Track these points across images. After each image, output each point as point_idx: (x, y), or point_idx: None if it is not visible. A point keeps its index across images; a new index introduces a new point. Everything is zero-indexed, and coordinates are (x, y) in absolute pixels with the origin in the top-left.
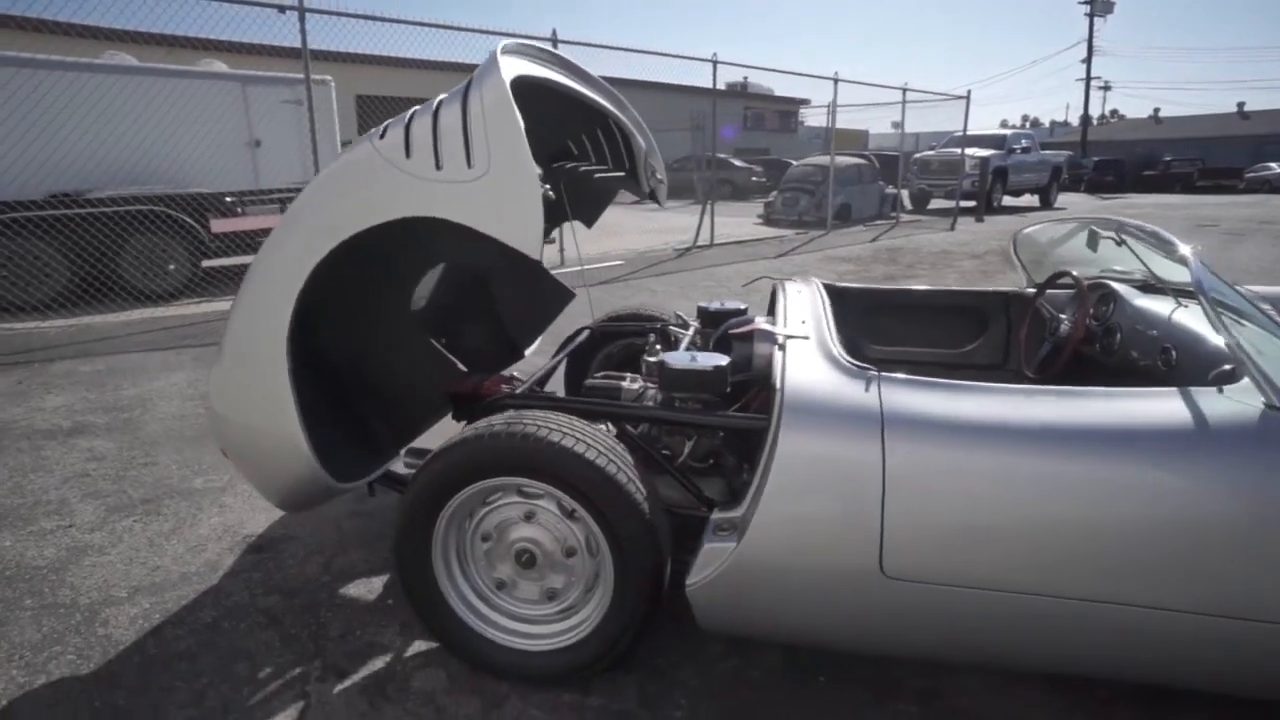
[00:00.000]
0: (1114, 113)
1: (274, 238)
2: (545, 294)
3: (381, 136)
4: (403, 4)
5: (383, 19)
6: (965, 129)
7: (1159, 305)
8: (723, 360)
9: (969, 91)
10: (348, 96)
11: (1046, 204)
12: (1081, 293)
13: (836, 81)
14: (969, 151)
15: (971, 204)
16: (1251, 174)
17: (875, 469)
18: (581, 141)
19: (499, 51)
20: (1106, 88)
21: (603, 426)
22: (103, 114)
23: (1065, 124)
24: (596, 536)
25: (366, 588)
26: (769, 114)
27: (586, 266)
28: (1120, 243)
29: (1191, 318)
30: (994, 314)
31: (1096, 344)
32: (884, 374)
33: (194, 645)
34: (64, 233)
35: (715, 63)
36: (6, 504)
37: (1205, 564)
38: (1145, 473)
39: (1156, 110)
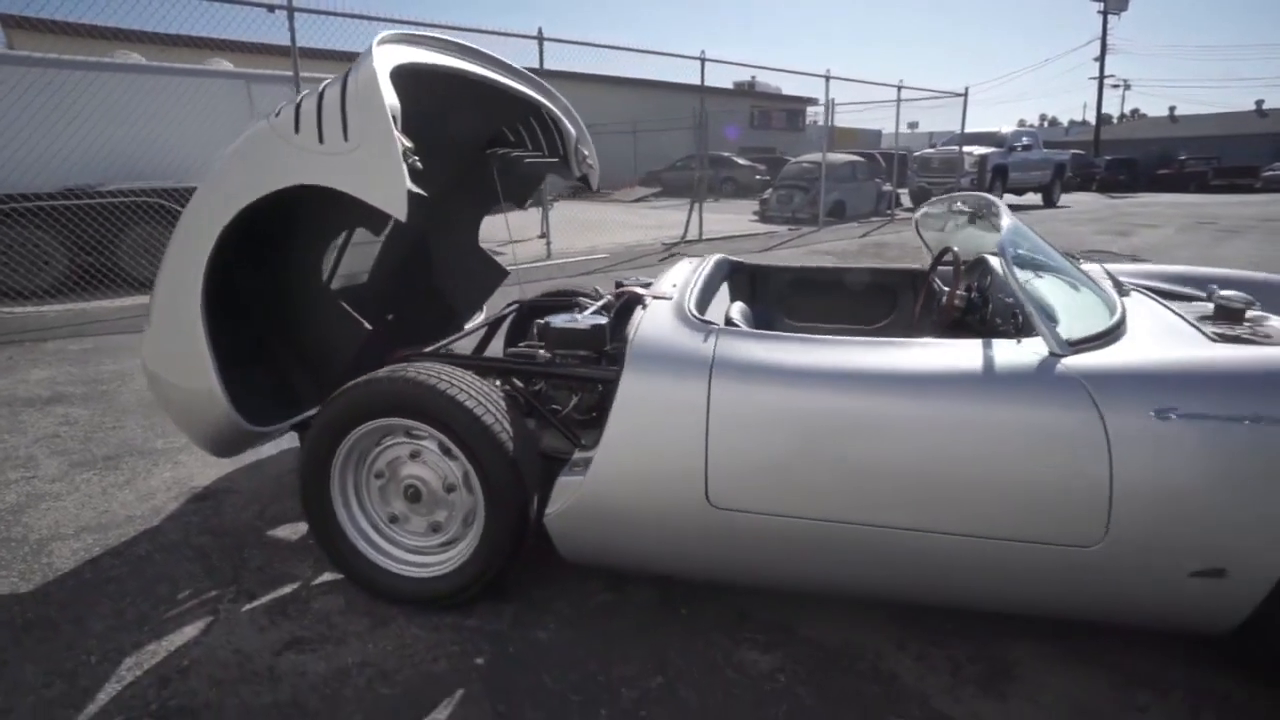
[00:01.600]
0: (1135, 112)
1: (188, 208)
2: (483, 272)
3: (276, 115)
4: (439, 6)
5: (371, 18)
6: (963, 126)
7: (1023, 274)
8: (601, 320)
9: (966, 89)
10: None
11: (1050, 202)
12: (956, 267)
13: (828, 79)
14: (968, 149)
15: None
16: (1269, 172)
17: (700, 409)
18: (517, 129)
19: (375, 41)
20: (1126, 86)
21: (495, 382)
22: (112, 112)
23: (1083, 123)
24: (471, 474)
25: (292, 530)
26: (775, 113)
27: (573, 259)
28: (980, 217)
29: (1043, 283)
30: (903, 290)
31: (977, 314)
32: (724, 329)
33: (125, 573)
34: (66, 224)
35: (703, 60)
36: None
37: (991, 494)
38: (943, 413)
39: (1172, 109)
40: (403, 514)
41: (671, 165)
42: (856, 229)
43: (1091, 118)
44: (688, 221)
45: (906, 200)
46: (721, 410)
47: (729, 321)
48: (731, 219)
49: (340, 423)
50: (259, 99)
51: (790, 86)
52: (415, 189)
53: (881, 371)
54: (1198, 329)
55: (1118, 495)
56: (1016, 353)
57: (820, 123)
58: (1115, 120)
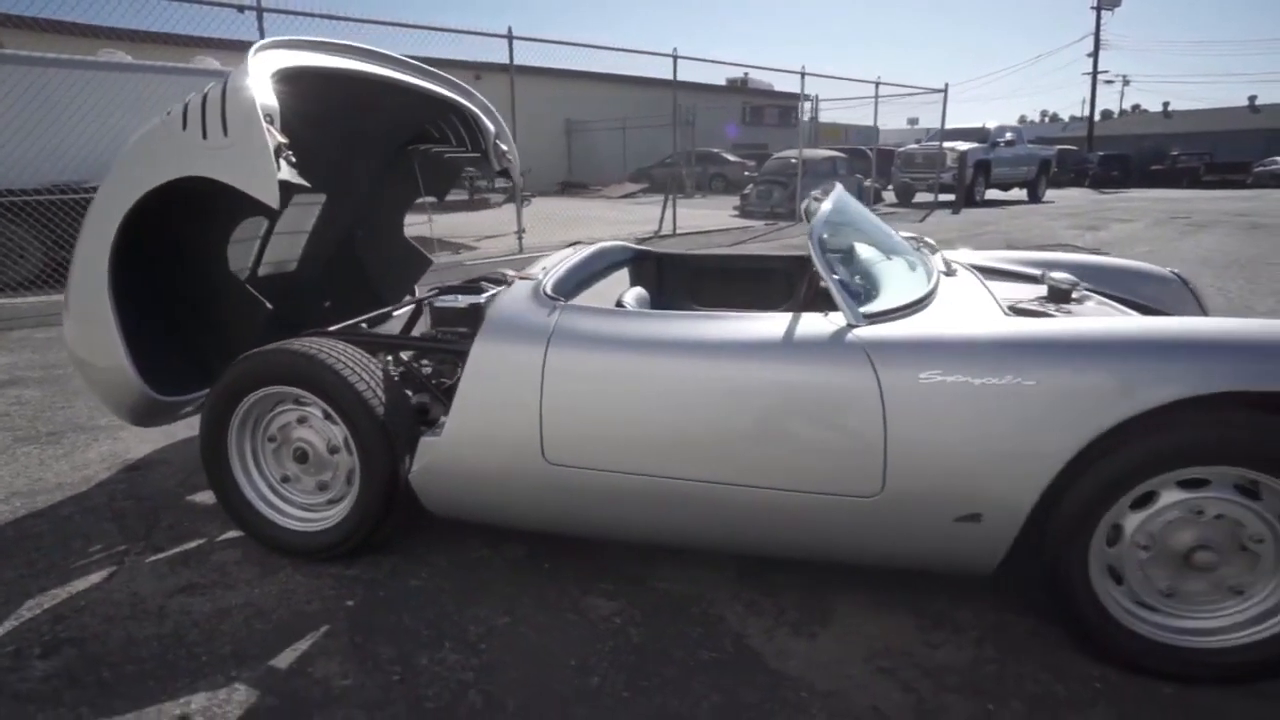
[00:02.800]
0: (1135, 107)
1: (95, 199)
2: (408, 261)
3: (169, 113)
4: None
5: (337, 17)
6: (943, 122)
7: (838, 254)
8: (479, 299)
9: (946, 85)
10: None
11: (1035, 198)
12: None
13: (804, 75)
14: (950, 145)
15: (953, 197)
16: (1260, 168)
17: (537, 375)
18: (440, 127)
19: (254, 48)
20: (1125, 82)
21: (387, 357)
22: (100, 109)
23: (1082, 118)
24: (349, 437)
25: (209, 497)
26: (768, 110)
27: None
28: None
29: (863, 263)
30: (798, 275)
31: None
32: (567, 304)
33: (45, 530)
34: (44, 219)
35: (675, 57)
36: None
37: (787, 452)
38: (747, 378)
39: (1166, 104)
40: (294, 474)
41: (661, 162)
42: None
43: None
44: (661, 217)
45: (893, 195)
46: (555, 375)
47: (619, 304)
48: (711, 214)
49: (235, 389)
50: None
51: (784, 84)
52: (296, 180)
53: (697, 341)
54: (999, 305)
55: (891, 452)
56: (818, 324)
57: (819, 119)
58: (1116, 115)
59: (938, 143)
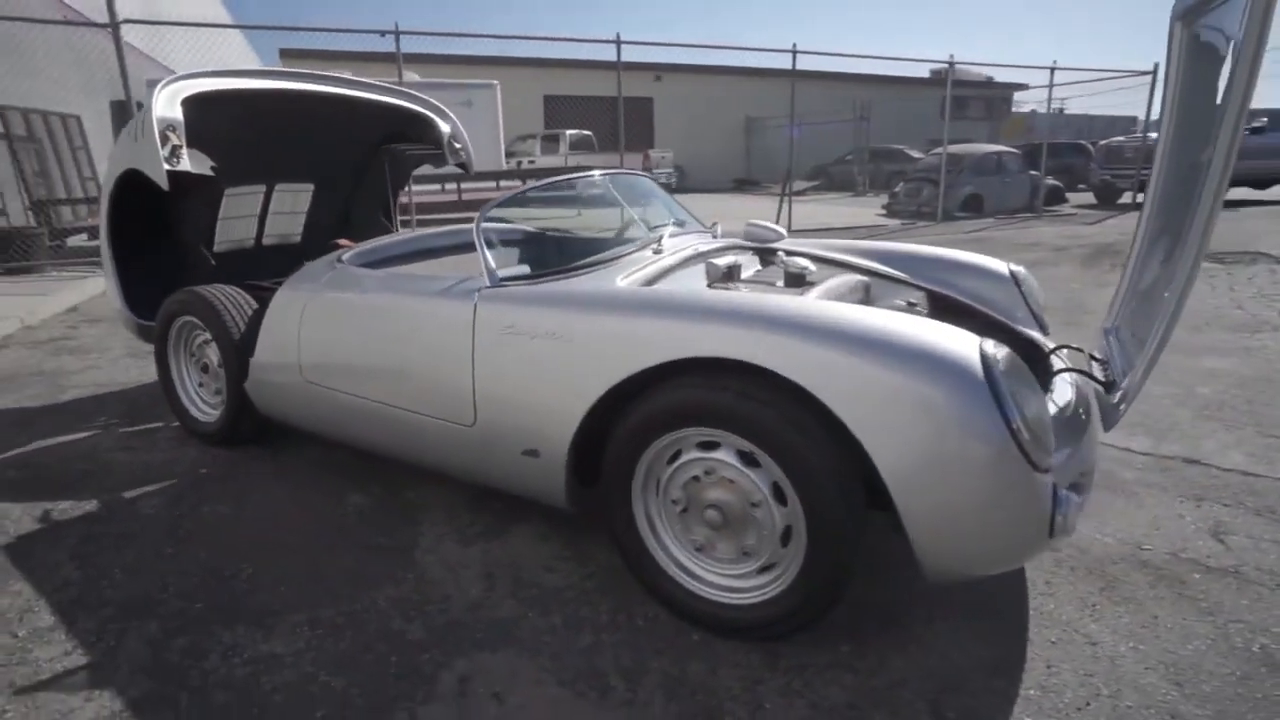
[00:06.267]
0: None
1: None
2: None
3: (132, 124)
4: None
5: (466, 34)
6: (1148, 110)
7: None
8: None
9: (1156, 65)
10: (536, 96)
11: None
12: None
13: (951, 65)
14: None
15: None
16: None
17: (298, 313)
18: (406, 129)
19: (161, 83)
20: None
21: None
22: None
23: None
24: (220, 352)
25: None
26: (974, 101)
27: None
28: None
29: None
30: None
31: None
32: (346, 265)
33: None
34: None
35: (794, 52)
36: None
37: (423, 384)
38: (401, 321)
39: None
40: (206, 381)
41: (838, 159)
42: (974, 225)
43: None
44: (778, 213)
45: (1074, 195)
46: (307, 315)
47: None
48: (853, 211)
49: (163, 317)
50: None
51: (1004, 75)
52: (191, 169)
53: (381, 290)
54: (710, 282)
55: (478, 392)
56: (466, 285)
57: (1039, 109)
58: None
59: (1154, 134)
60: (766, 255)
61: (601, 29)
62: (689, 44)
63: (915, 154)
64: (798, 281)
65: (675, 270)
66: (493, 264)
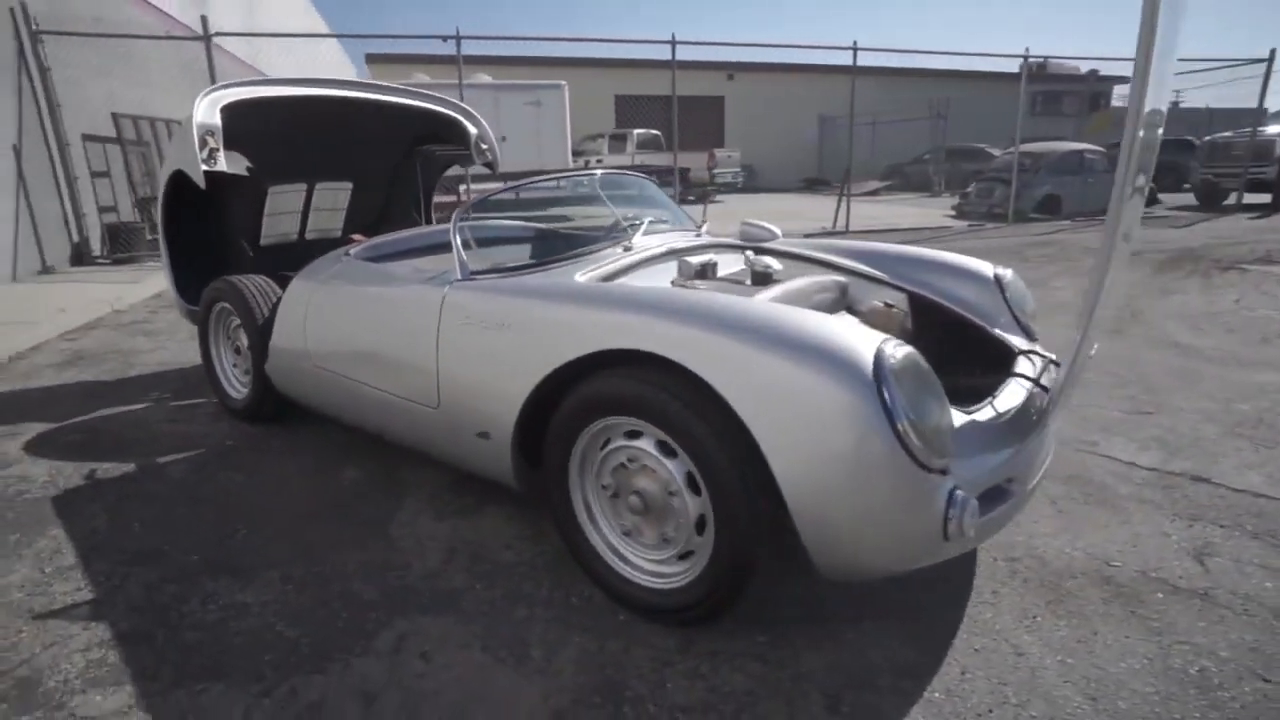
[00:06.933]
0: None
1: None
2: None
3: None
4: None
5: (523, 38)
6: (1261, 98)
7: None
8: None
9: (1273, 51)
10: (608, 96)
11: None
12: None
13: (1027, 58)
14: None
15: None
16: None
17: (305, 304)
18: (444, 131)
19: (201, 93)
20: None
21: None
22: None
23: None
24: (247, 335)
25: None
26: (1068, 97)
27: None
28: None
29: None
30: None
31: None
32: (354, 259)
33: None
34: None
35: (855, 49)
36: None
37: (400, 370)
38: (382, 308)
39: None
40: (239, 362)
41: (915, 159)
42: (1048, 228)
43: None
44: (835, 213)
45: (1170, 196)
46: (313, 303)
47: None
48: (921, 213)
49: (204, 303)
50: (503, 105)
51: (1109, 68)
52: (225, 169)
53: (372, 281)
54: (679, 279)
55: (441, 376)
56: (441, 278)
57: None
58: None
59: (1268, 129)
60: (764, 254)
61: (694, 28)
62: (748, 44)
63: (996, 152)
64: (764, 280)
65: (641, 267)
66: (465, 258)
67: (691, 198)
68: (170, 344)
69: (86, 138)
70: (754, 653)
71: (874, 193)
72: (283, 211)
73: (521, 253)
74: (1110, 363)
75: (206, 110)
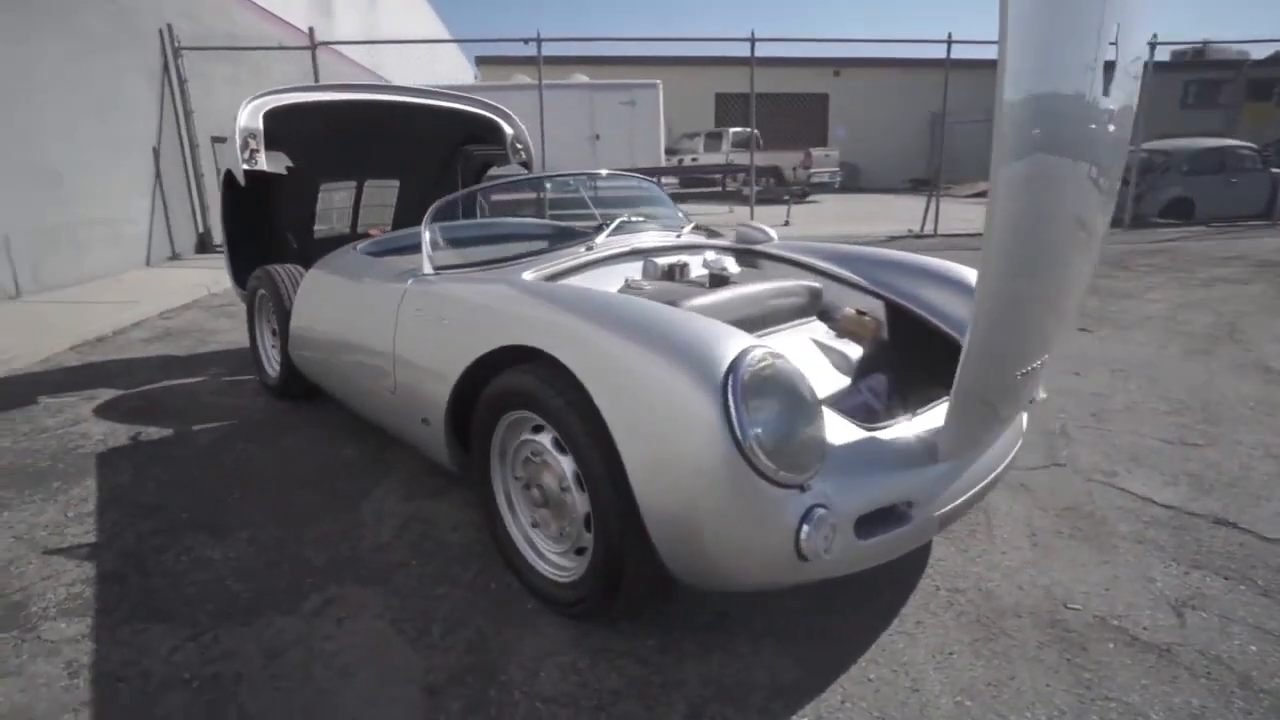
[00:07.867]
0: None
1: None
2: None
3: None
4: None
5: (599, 38)
6: None
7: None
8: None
9: None
10: (708, 95)
11: None
12: None
13: (1152, 45)
14: None
15: None
16: None
17: (317, 291)
18: (486, 132)
19: (246, 99)
20: None
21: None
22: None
23: None
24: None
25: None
26: (1229, 85)
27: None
28: None
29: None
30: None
31: None
32: (357, 253)
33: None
34: None
35: (950, 42)
36: None
37: (370, 355)
38: (354, 298)
39: None
40: (275, 344)
41: None
42: (1163, 234)
43: None
44: (924, 216)
45: None
46: (317, 294)
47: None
48: None
49: (249, 289)
50: (598, 105)
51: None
52: (265, 168)
53: (359, 272)
54: (635, 280)
55: (396, 364)
56: (409, 272)
57: None
58: None
59: None
60: (754, 256)
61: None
62: (841, 39)
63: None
64: (720, 282)
65: (595, 267)
66: (431, 255)
67: (786, 197)
68: (245, 326)
69: (214, 139)
70: (639, 655)
71: (982, 194)
72: (334, 207)
73: (499, 252)
74: (1174, 387)
75: (249, 115)
